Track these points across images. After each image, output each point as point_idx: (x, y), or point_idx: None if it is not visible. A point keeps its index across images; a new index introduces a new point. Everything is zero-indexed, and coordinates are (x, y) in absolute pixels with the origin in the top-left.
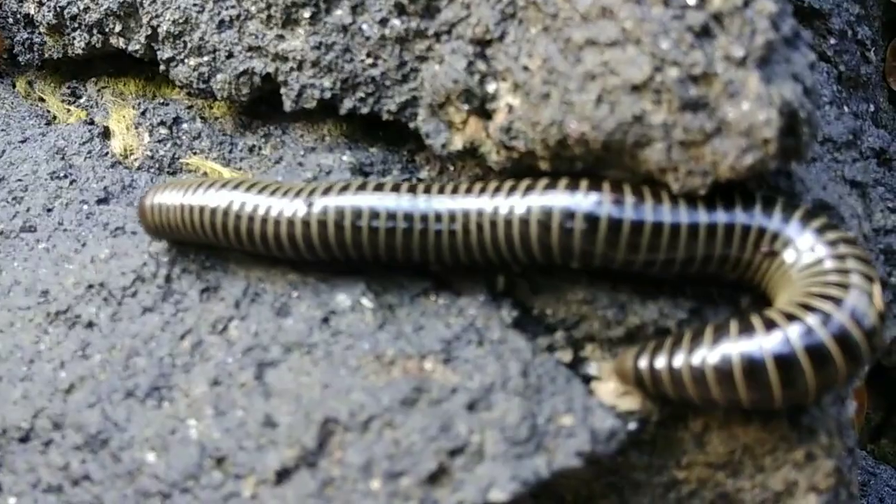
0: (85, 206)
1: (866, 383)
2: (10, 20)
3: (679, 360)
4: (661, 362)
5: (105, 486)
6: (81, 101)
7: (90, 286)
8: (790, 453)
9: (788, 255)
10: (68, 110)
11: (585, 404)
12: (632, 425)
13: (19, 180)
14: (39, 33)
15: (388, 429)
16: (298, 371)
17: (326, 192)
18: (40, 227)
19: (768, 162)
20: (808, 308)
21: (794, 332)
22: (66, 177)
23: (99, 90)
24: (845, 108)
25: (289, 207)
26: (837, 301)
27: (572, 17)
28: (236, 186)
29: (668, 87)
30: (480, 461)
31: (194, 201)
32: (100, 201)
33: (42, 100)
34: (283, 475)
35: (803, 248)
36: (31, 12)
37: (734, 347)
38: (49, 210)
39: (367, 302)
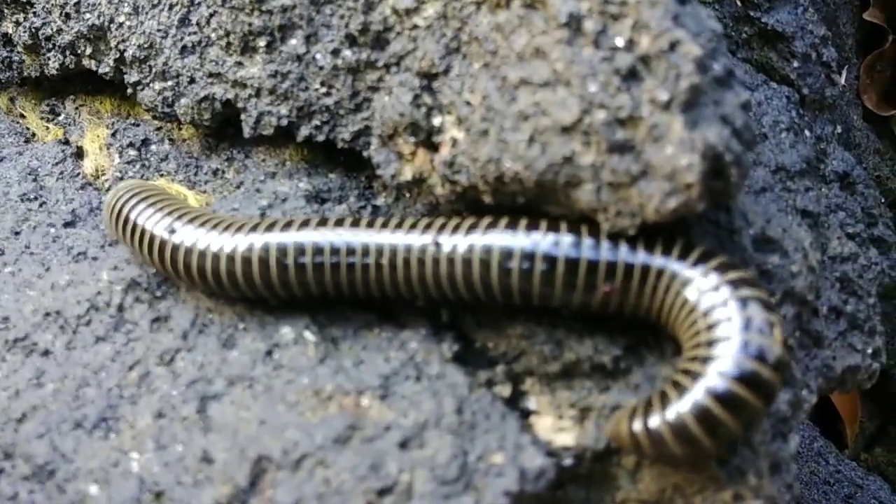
0: (52, 230)
1: (861, 393)
2: None
3: (637, 425)
4: (637, 426)
5: None
6: (60, 118)
7: (48, 314)
8: (718, 493)
9: (690, 295)
10: (47, 128)
11: (517, 442)
12: (568, 461)
13: None
14: (18, 52)
15: (319, 467)
16: (239, 405)
17: (269, 228)
18: (7, 251)
19: (693, 205)
20: (711, 359)
21: (700, 391)
22: (36, 199)
23: (77, 108)
24: (807, 133)
25: (229, 243)
26: (739, 344)
27: (509, 55)
28: (182, 216)
29: (596, 129)
30: (408, 501)
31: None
32: (66, 224)
33: (23, 116)
34: None
35: (704, 288)
36: (10, 31)
37: (663, 415)
38: (17, 233)
39: (310, 335)
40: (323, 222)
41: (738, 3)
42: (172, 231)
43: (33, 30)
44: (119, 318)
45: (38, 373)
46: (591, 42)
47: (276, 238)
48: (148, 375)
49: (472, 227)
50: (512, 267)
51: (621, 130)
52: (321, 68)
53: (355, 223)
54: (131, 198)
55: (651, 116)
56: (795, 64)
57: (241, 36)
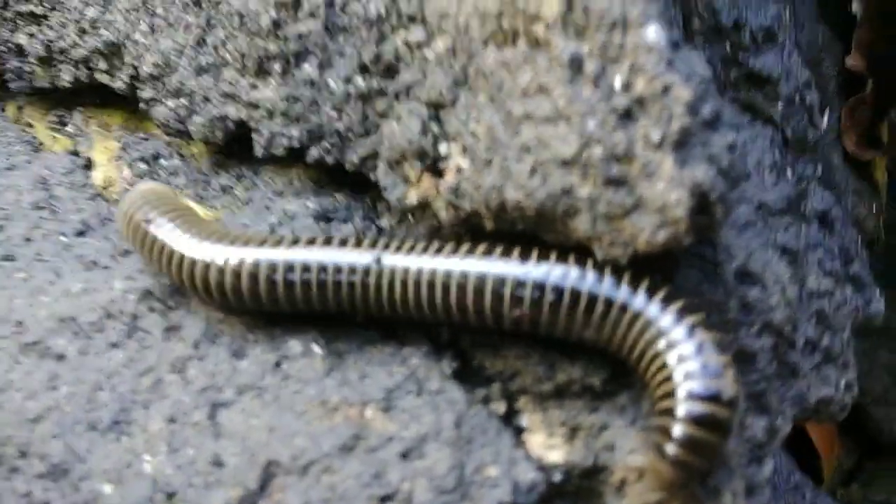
0: (63, 238)
1: (840, 428)
2: (3, 48)
3: None
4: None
5: None
6: (68, 129)
7: (62, 319)
8: None
9: (651, 335)
10: (54, 138)
11: (511, 456)
12: (557, 476)
13: (2, 209)
14: (29, 63)
15: (325, 474)
16: (249, 413)
17: (277, 244)
18: (19, 257)
19: (681, 238)
20: (671, 411)
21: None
22: (46, 208)
23: (85, 119)
24: (788, 173)
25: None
26: (695, 391)
27: (514, 90)
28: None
29: (594, 163)
30: None
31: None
32: (78, 233)
33: (30, 125)
34: None
35: (665, 329)
36: (23, 43)
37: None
38: (29, 240)
39: (317, 348)
40: (325, 241)
41: (728, 47)
42: (184, 242)
43: (47, 42)
44: (132, 325)
45: (53, 376)
46: (590, 82)
47: (277, 255)
48: (160, 382)
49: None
50: (495, 293)
51: (617, 166)
52: (333, 94)
53: (347, 242)
54: (146, 207)
55: (644, 154)
56: (780, 106)
57: (257, 59)
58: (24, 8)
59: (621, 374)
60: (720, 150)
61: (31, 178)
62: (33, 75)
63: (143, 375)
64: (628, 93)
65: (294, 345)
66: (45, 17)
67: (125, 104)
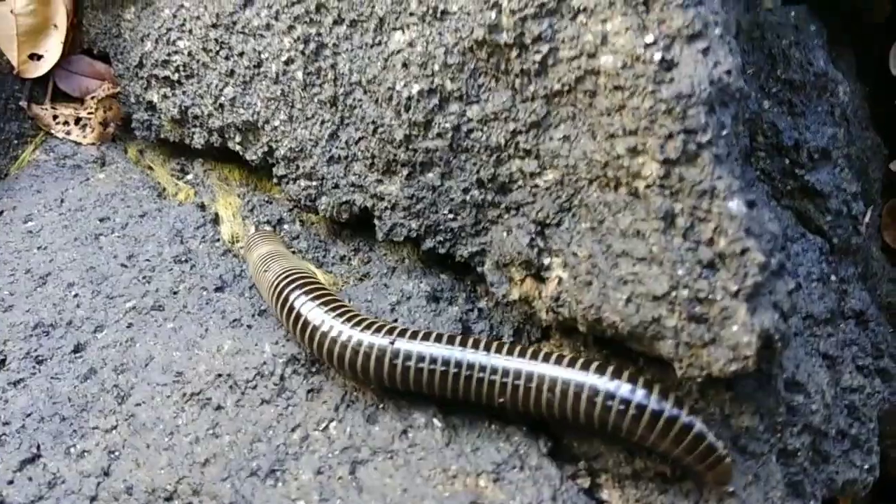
0: (204, 293)
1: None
2: (132, 99)
3: None
4: None
5: None
6: (189, 178)
7: (219, 375)
8: None
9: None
10: (176, 185)
11: None
12: None
13: (147, 260)
14: (159, 118)
15: None
16: (383, 472)
17: (412, 336)
18: (167, 308)
19: (748, 369)
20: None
21: None
22: (186, 261)
23: (205, 171)
24: (832, 278)
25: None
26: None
27: (614, 228)
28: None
29: (680, 302)
30: None
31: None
32: (217, 289)
33: (151, 168)
34: None
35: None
36: (155, 100)
37: None
38: (175, 293)
39: (437, 422)
40: (447, 339)
41: (787, 162)
42: (324, 322)
43: (183, 107)
44: (281, 386)
45: (214, 424)
46: (680, 234)
47: (409, 346)
48: (307, 438)
49: (563, 362)
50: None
51: (699, 306)
52: (452, 199)
53: (468, 343)
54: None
55: (723, 300)
56: (829, 218)
57: (386, 161)
58: (159, 72)
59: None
60: (783, 296)
61: (167, 230)
62: (161, 129)
63: (293, 431)
64: (711, 248)
65: (418, 416)
66: (180, 82)
67: (243, 162)
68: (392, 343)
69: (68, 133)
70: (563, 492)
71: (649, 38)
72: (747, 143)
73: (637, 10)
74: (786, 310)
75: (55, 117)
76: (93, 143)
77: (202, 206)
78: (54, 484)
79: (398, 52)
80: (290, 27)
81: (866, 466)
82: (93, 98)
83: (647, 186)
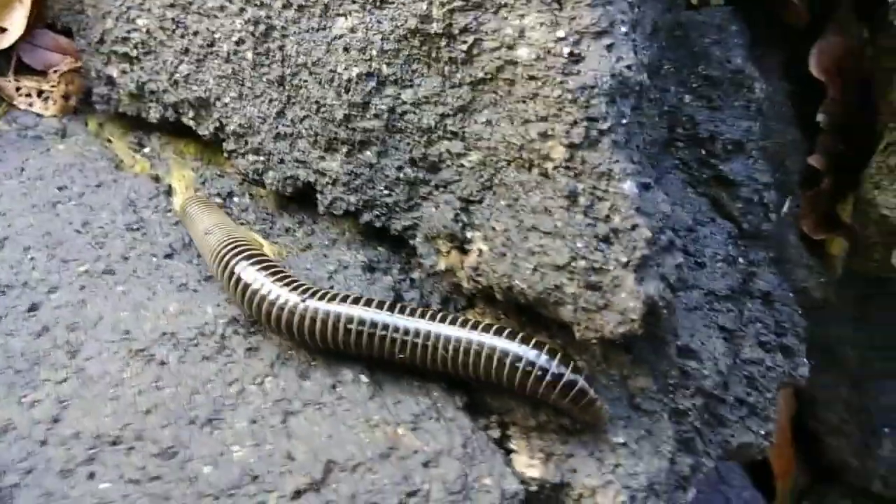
0: (154, 259)
1: (796, 453)
2: (93, 74)
3: None
4: None
5: (173, 485)
6: (146, 151)
7: (164, 333)
8: None
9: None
10: (133, 157)
11: (501, 471)
12: (533, 488)
13: (101, 227)
14: (118, 93)
15: (368, 473)
16: (312, 422)
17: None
18: (118, 272)
19: (635, 332)
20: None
21: None
22: (138, 229)
23: (162, 145)
24: (739, 261)
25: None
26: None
27: (526, 205)
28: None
29: (579, 271)
30: (427, 502)
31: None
32: (166, 255)
33: (110, 141)
34: (297, 494)
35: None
36: (114, 75)
37: None
38: (126, 258)
39: (363, 377)
40: (374, 303)
41: (702, 152)
42: (263, 287)
43: (139, 83)
44: (221, 344)
45: (157, 378)
46: (582, 211)
47: (337, 308)
48: (244, 391)
49: (470, 326)
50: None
51: (594, 275)
52: (387, 176)
53: (394, 308)
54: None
55: (614, 270)
56: (739, 205)
57: (328, 139)
58: (119, 48)
59: None
60: (670, 269)
61: (121, 199)
62: (119, 103)
63: (230, 385)
64: (607, 223)
65: (346, 373)
66: (138, 59)
67: (198, 137)
68: (303, 301)
69: (31, 105)
70: (474, 440)
71: (560, 33)
72: (664, 134)
73: (551, 7)
74: (672, 281)
75: (18, 89)
76: (54, 116)
77: (156, 178)
78: (6, 430)
79: (340, 36)
80: (242, 9)
81: (762, 432)
82: (55, 72)
83: (555, 168)
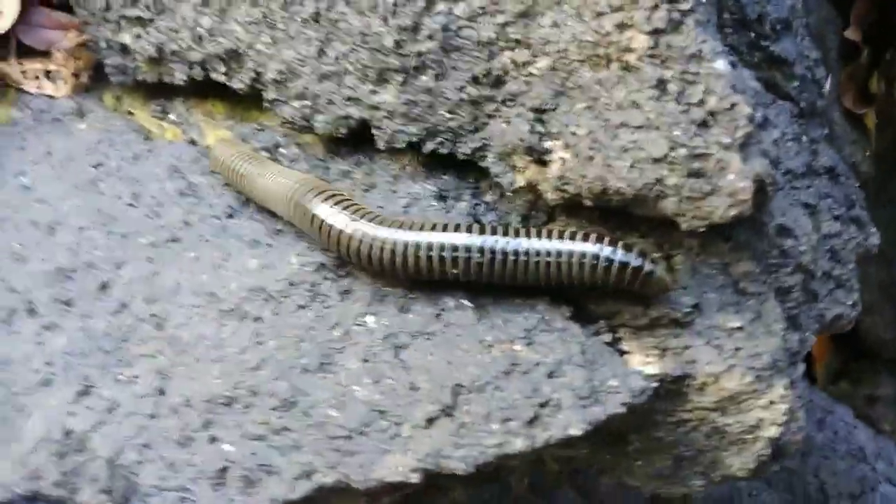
0: (217, 221)
1: (830, 336)
2: (102, 44)
3: None
4: None
5: (301, 433)
6: (172, 117)
7: (251, 289)
8: (758, 400)
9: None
10: (160, 125)
11: (624, 372)
12: (654, 383)
13: (153, 197)
14: (134, 60)
15: (496, 391)
16: (425, 351)
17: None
18: (184, 239)
19: (747, 212)
20: None
21: None
22: (191, 194)
23: (187, 109)
24: (804, 139)
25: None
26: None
27: (609, 103)
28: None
29: (679, 161)
30: (560, 411)
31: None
32: (228, 216)
33: (131, 113)
34: (430, 422)
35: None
36: (128, 42)
37: None
38: (188, 224)
39: (466, 302)
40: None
41: (752, 35)
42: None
43: (158, 45)
44: (313, 291)
45: (256, 334)
46: (673, 99)
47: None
48: (348, 332)
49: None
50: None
51: (697, 162)
52: (448, 99)
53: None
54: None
55: (718, 153)
56: (795, 84)
57: (378, 70)
58: (129, 12)
59: (696, 307)
60: (769, 145)
61: (164, 167)
62: (137, 71)
63: (333, 329)
64: (702, 107)
65: (448, 300)
66: (152, 20)
67: (224, 95)
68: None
69: (40, 87)
70: (590, 346)
71: None
72: (715, 19)
73: None
74: (773, 156)
75: (24, 73)
76: (67, 95)
77: (192, 142)
78: (113, 409)
79: None
80: None
81: (849, 303)
82: (59, 50)
83: (639, 58)
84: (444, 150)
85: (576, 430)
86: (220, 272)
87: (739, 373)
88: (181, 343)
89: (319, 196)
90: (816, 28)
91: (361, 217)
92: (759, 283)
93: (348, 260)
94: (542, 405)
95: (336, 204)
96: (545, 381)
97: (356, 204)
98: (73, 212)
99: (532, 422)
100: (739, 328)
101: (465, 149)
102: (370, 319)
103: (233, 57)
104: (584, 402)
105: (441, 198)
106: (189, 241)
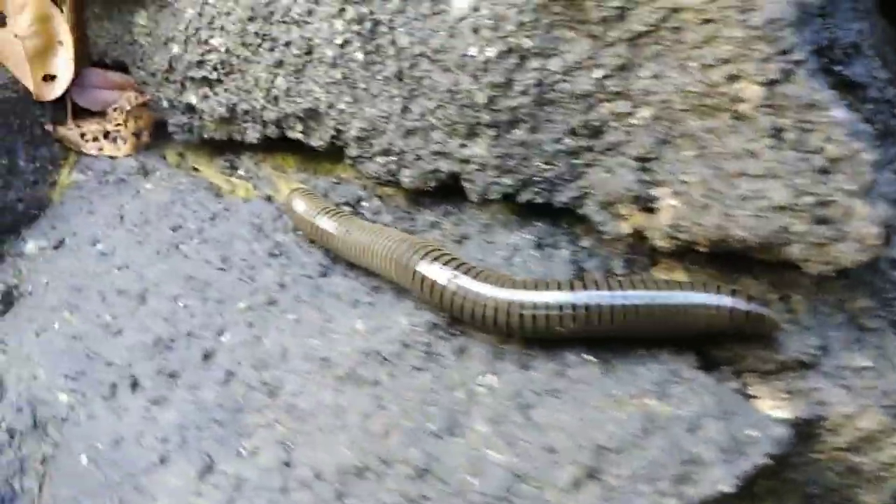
0: (310, 280)
1: None
2: (165, 105)
3: None
4: None
5: (442, 502)
6: (240, 172)
7: (364, 353)
8: (892, 438)
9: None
10: (230, 181)
11: (760, 420)
12: (792, 430)
13: (243, 259)
14: (200, 118)
15: (637, 449)
16: (554, 409)
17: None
18: (281, 301)
19: (877, 255)
20: None
21: None
22: (281, 254)
23: (256, 164)
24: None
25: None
26: None
27: (722, 152)
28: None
29: (804, 208)
30: (707, 467)
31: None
32: (321, 275)
33: (196, 170)
34: (575, 486)
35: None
36: (194, 102)
37: None
38: (282, 285)
39: (589, 357)
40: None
41: (825, 60)
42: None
43: (229, 105)
44: (428, 351)
45: (377, 398)
46: (792, 147)
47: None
48: (471, 393)
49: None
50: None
51: (822, 209)
52: (544, 151)
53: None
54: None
55: (843, 200)
56: (870, 106)
57: (468, 125)
58: (195, 73)
59: (821, 348)
60: (889, 187)
61: (247, 227)
62: (204, 129)
63: (454, 390)
64: (822, 154)
65: (569, 355)
66: (221, 81)
67: (292, 149)
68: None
69: (100, 148)
70: (723, 395)
71: None
72: None
73: None
74: (893, 198)
75: (83, 135)
76: (128, 155)
77: (269, 199)
78: (239, 486)
79: (463, 18)
80: (341, 10)
81: None
82: (116, 109)
83: (753, 108)
84: (540, 200)
85: (726, 487)
86: (328, 335)
87: (874, 412)
88: (299, 411)
89: (421, 253)
90: (880, 47)
91: (485, 280)
92: (877, 319)
93: (461, 319)
94: (688, 462)
95: (443, 263)
96: (685, 437)
97: (469, 265)
98: (162, 278)
99: (681, 480)
100: (868, 367)
101: (561, 197)
102: (491, 379)
103: (311, 116)
104: (728, 456)
105: (538, 246)
106: (287, 303)
